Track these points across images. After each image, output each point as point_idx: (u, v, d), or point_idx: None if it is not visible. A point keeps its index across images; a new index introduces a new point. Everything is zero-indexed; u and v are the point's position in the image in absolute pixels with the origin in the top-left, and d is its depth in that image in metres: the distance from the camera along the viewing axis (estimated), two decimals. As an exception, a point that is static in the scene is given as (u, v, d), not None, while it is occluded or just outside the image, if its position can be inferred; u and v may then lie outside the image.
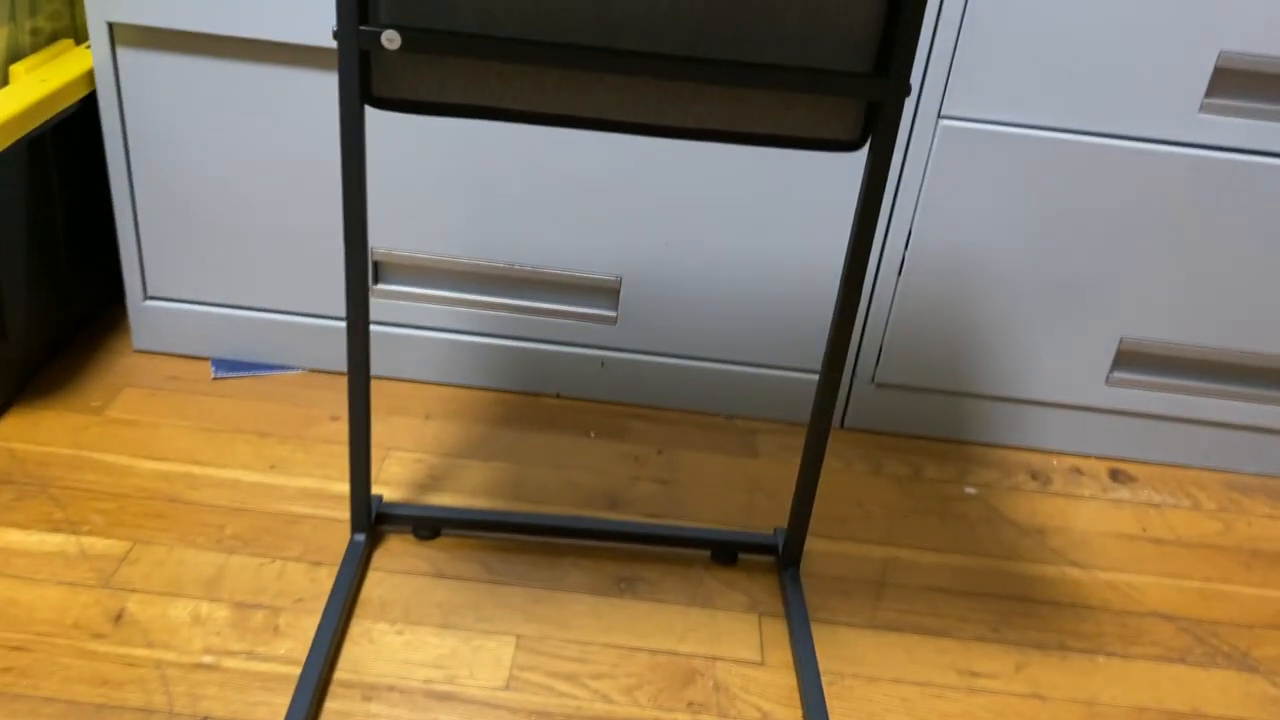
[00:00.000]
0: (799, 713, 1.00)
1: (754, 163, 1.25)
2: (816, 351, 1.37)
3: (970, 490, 1.33)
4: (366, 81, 0.89)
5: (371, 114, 1.23)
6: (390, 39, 0.85)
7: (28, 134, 1.19)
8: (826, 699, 1.02)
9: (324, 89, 1.23)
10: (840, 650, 1.08)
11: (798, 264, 1.31)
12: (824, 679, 1.04)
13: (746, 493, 1.28)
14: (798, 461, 1.34)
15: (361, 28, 0.84)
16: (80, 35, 1.35)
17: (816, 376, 1.38)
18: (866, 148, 0.92)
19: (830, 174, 1.25)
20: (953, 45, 1.16)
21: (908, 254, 1.29)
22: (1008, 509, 1.30)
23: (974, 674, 1.07)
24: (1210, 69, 1.16)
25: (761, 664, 1.05)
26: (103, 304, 1.46)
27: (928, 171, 1.23)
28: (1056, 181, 1.23)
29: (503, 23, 0.86)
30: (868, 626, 1.11)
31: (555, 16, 0.86)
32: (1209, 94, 1.17)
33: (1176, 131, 1.20)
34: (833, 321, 1.00)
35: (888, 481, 1.33)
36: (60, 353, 1.37)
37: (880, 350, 1.35)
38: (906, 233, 1.28)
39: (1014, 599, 1.17)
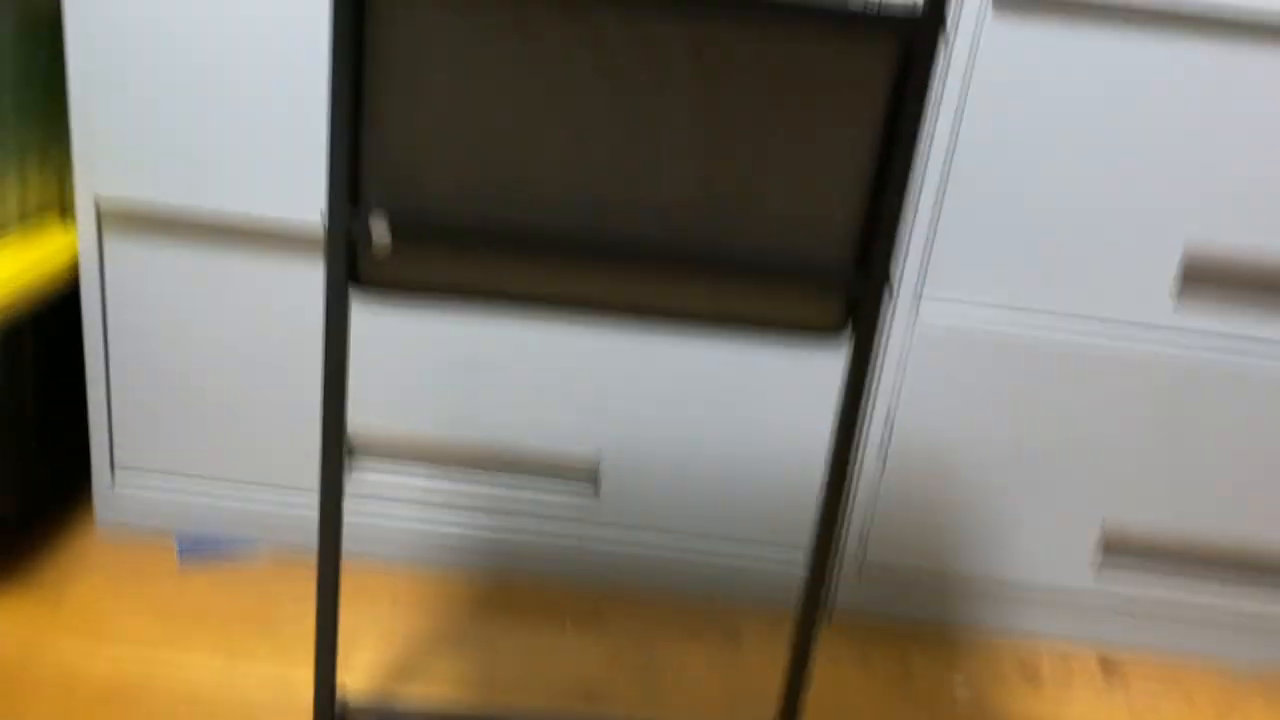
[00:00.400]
0: None
1: (736, 340, 1.25)
2: (800, 534, 1.34)
3: (960, 689, 1.28)
4: (353, 266, 0.89)
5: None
6: (380, 236, 0.86)
7: (3, 326, 1.19)
8: None
9: (305, 274, 1.23)
10: None
11: (780, 443, 1.30)
12: None
13: (730, 687, 1.23)
14: (783, 652, 1.29)
15: (353, 218, 0.85)
16: (67, 209, 1.37)
17: (800, 560, 1.35)
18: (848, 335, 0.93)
19: (815, 353, 1.26)
20: (928, 237, 1.19)
21: (891, 436, 1.28)
22: (998, 709, 1.25)
23: None
24: (1178, 258, 1.19)
25: None
26: (68, 480, 1.42)
27: (908, 358, 1.24)
28: (1036, 367, 1.24)
29: (492, 212, 0.87)
30: (859, 836, 1.05)
31: (545, 210, 0.87)
32: (1183, 282, 1.20)
33: (1153, 318, 1.22)
34: (818, 517, 0.98)
35: (877, 680, 1.28)
36: (21, 533, 1.33)
37: (866, 533, 1.33)
38: (887, 414, 1.28)
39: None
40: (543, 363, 1.27)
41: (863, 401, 0.96)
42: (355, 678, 1.16)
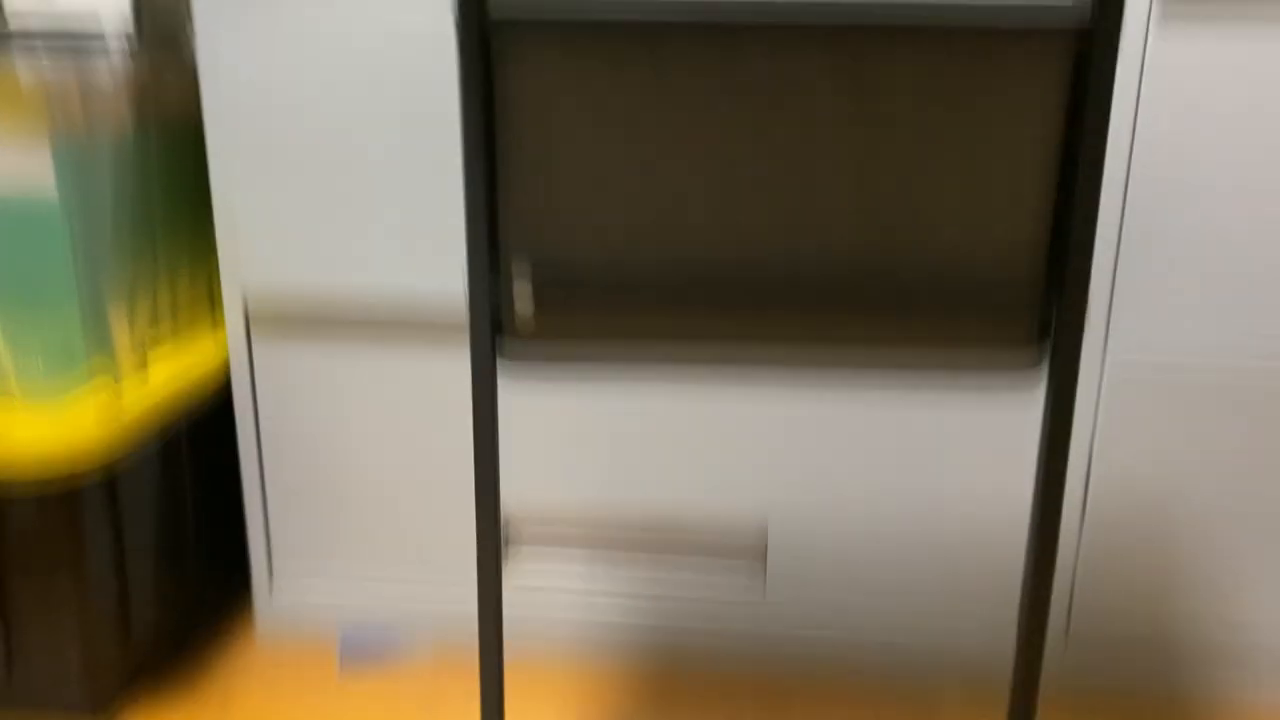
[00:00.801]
0: None
1: (911, 393, 1.16)
2: (994, 604, 1.22)
3: (1201, 766, 1.12)
4: (498, 336, 0.85)
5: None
6: (523, 299, 0.81)
7: (162, 433, 1.19)
8: None
9: (454, 357, 1.20)
10: None
11: (964, 505, 1.19)
12: None
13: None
14: (988, 737, 1.16)
15: (493, 275, 0.81)
16: (218, 319, 1.38)
17: (996, 632, 1.22)
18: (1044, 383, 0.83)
19: (1000, 403, 1.15)
20: (1112, 268, 1.08)
21: (1090, 487, 1.16)
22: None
23: None
24: None
25: None
26: (228, 593, 1.41)
27: (1102, 401, 1.12)
28: (1243, 401, 1.10)
29: (640, 265, 0.82)
30: None
31: (695, 255, 0.81)
32: None
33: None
34: (1028, 579, 0.87)
35: (1099, 758, 1.13)
36: (183, 646, 1.32)
37: (1071, 598, 1.20)
38: (1086, 464, 1.15)
39: None
40: (703, 431, 1.20)
41: (1067, 441, 0.85)
42: (526, 783, 1.09)
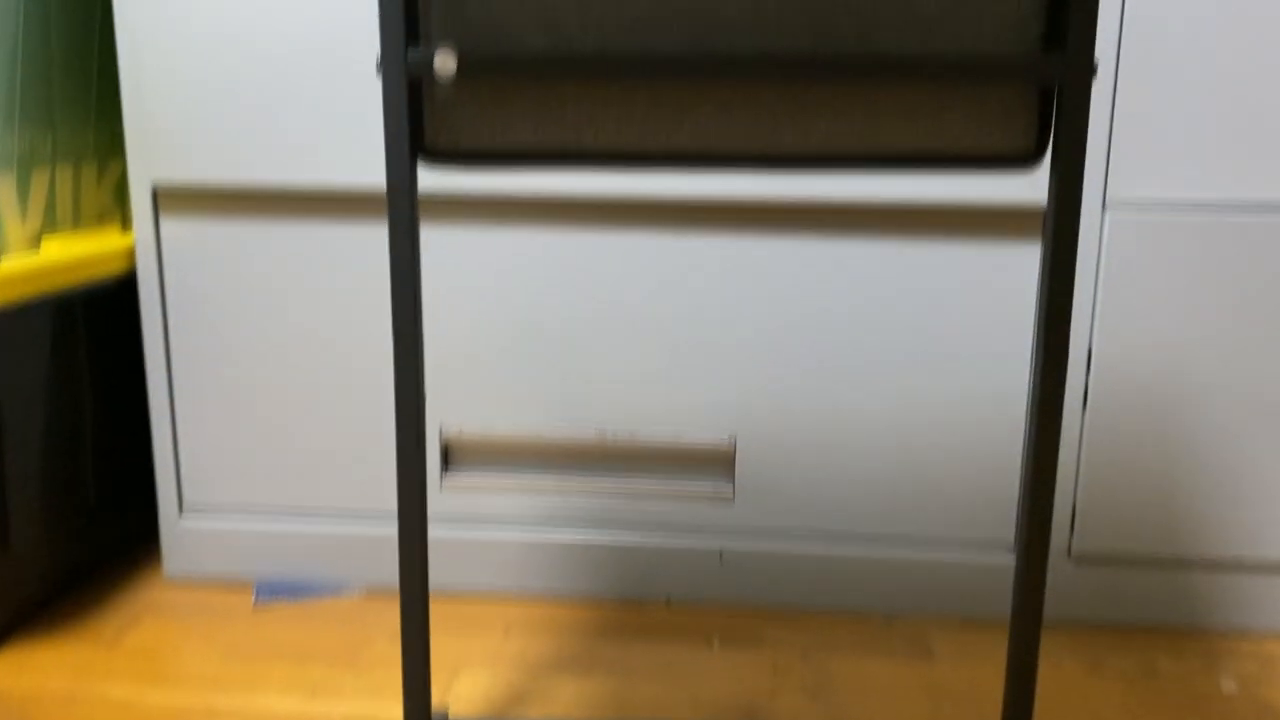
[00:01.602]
0: None
1: (889, 282, 1.05)
2: (987, 523, 1.09)
3: (1229, 685, 0.99)
4: (418, 133, 0.73)
5: (425, 271, 1.08)
6: (444, 62, 0.70)
7: (52, 294, 1.06)
8: None
9: (378, 242, 1.08)
10: None
11: (956, 411, 1.07)
12: None
13: (930, 703, 0.96)
14: (986, 663, 1.02)
15: (410, 51, 0.70)
16: (128, 223, 1.26)
17: (990, 557, 1.09)
18: (1048, 164, 0.72)
19: (989, 290, 1.04)
20: (1108, 121, 0.98)
21: (1091, 381, 1.04)
22: (1290, 705, 0.96)
23: None
24: None
25: None
26: (133, 529, 1.26)
27: (1101, 274, 1.02)
28: (1260, 260, 1.00)
29: (578, 36, 0.71)
30: None
31: (640, 23, 0.70)
32: None
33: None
34: (1024, 476, 0.75)
35: (1114, 683, 1.00)
36: (78, 583, 1.16)
37: (1074, 514, 1.07)
38: (1086, 354, 1.04)
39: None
40: (658, 329, 1.08)
41: (1073, 265, 0.73)
42: (461, 705, 0.94)
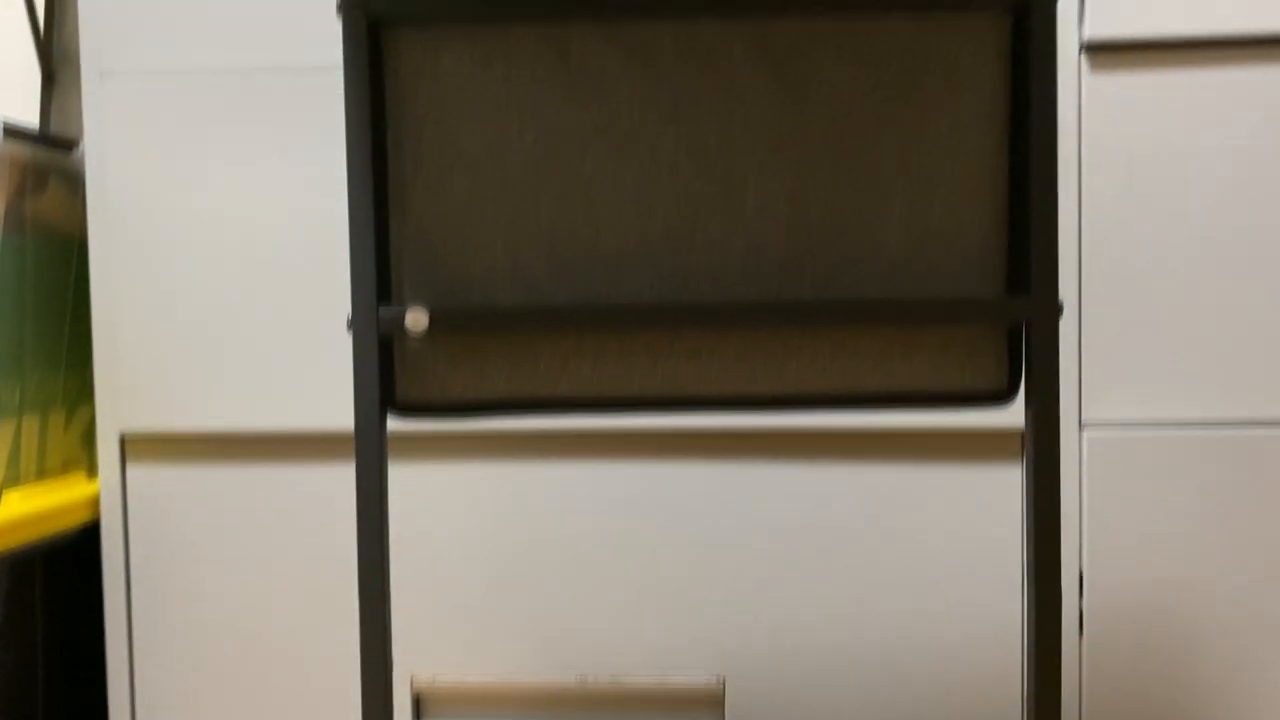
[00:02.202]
0: None
1: (874, 508, 1.03)
2: (994, 758, 1.03)
3: None
4: (389, 387, 0.73)
5: (395, 510, 1.05)
6: (416, 319, 0.70)
7: (10, 552, 1.02)
8: None
9: (348, 483, 1.06)
10: None
11: (953, 640, 1.03)
12: None
13: None
14: None
15: (381, 309, 0.70)
16: (94, 470, 1.23)
17: (1001, 795, 1.03)
18: (1021, 401, 0.72)
19: (976, 512, 1.02)
20: (1076, 348, 1.00)
21: (1085, 605, 1.01)
22: None
23: None
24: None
25: None
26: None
27: (1084, 495, 1.00)
28: (1243, 473, 0.99)
29: (548, 287, 0.71)
30: None
31: (610, 273, 0.71)
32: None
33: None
34: (1027, 707, 0.72)
35: None
36: None
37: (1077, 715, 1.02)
38: (1078, 577, 1.01)
39: None
40: (637, 561, 1.04)
41: (1057, 507, 0.72)
42: None
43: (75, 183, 1.14)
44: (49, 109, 1.37)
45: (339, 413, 1.04)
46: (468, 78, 0.70)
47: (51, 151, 1.12)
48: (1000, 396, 0.72)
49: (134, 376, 1.06)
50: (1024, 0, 0.68)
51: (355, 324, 0.70)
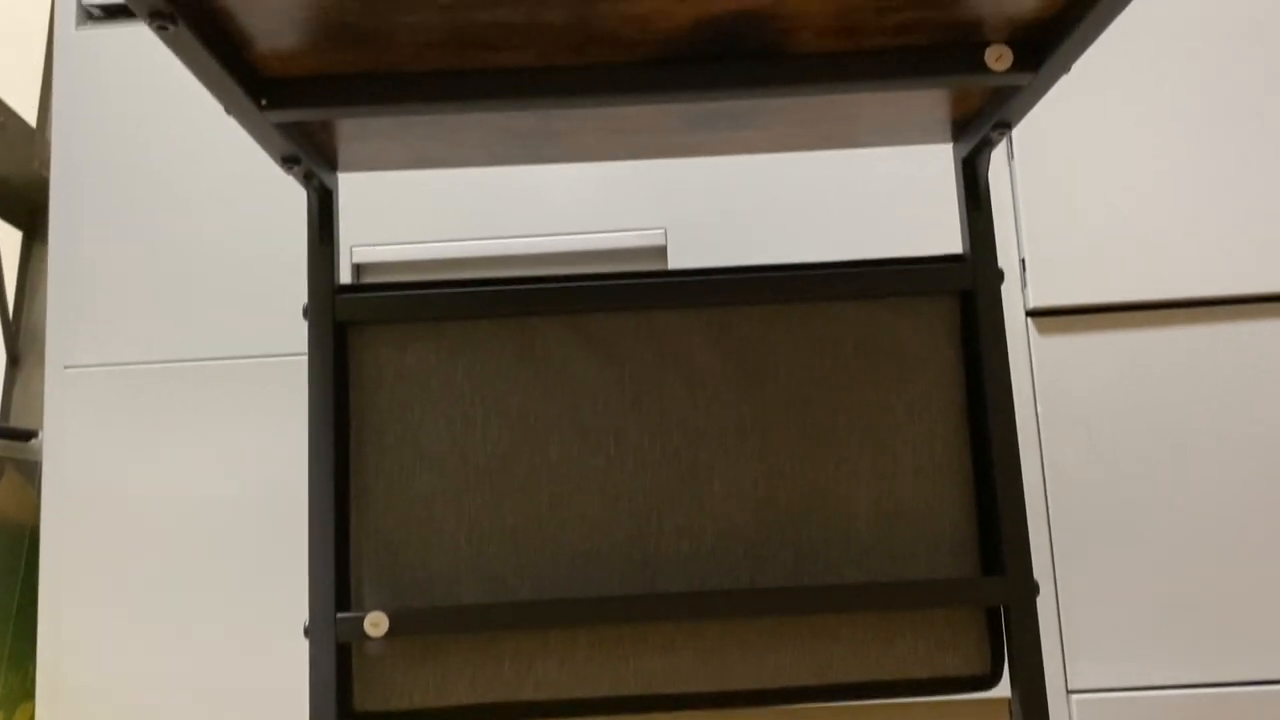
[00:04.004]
0: None
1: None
2: None
3: None
4: (346, 693, 0.69)
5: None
6: (375, 622, 0.67)
7: None
8: None
9: None
10: None
11: None
12: None
13: None
14: None
15: (340, 615, 0.67)
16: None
17: None
18: (1006, 682, 0.69)
19: (958, 792, 0.97)
20: (1055, 613, 0.98)
21: None
22: None
23: None
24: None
25: None
26: None
27: (1080, 766, 0.96)
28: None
29: (513, 583, 0.69)
30: None
31: (576, 566, 0.70)
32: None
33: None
34: None
35: None
36: None
37: None
38: None
39: None
40: None
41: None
42: None
43: (32, 471, 1.12)
44: (11, 391, 1.37)
45: (292, 717, 0.99)
46: (432, 372, 0.71)
47: (10, 442, 1.11)
48: (984, 681, 0.70)
49: (79, 679, 1.00)
50: (969, 286, 0.71)
51: (312, 632, 0.67)
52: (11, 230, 1.41)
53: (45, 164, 1.34)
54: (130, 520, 1.03)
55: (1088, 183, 1.02)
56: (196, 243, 1.05)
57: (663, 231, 1.01)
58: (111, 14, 1.09)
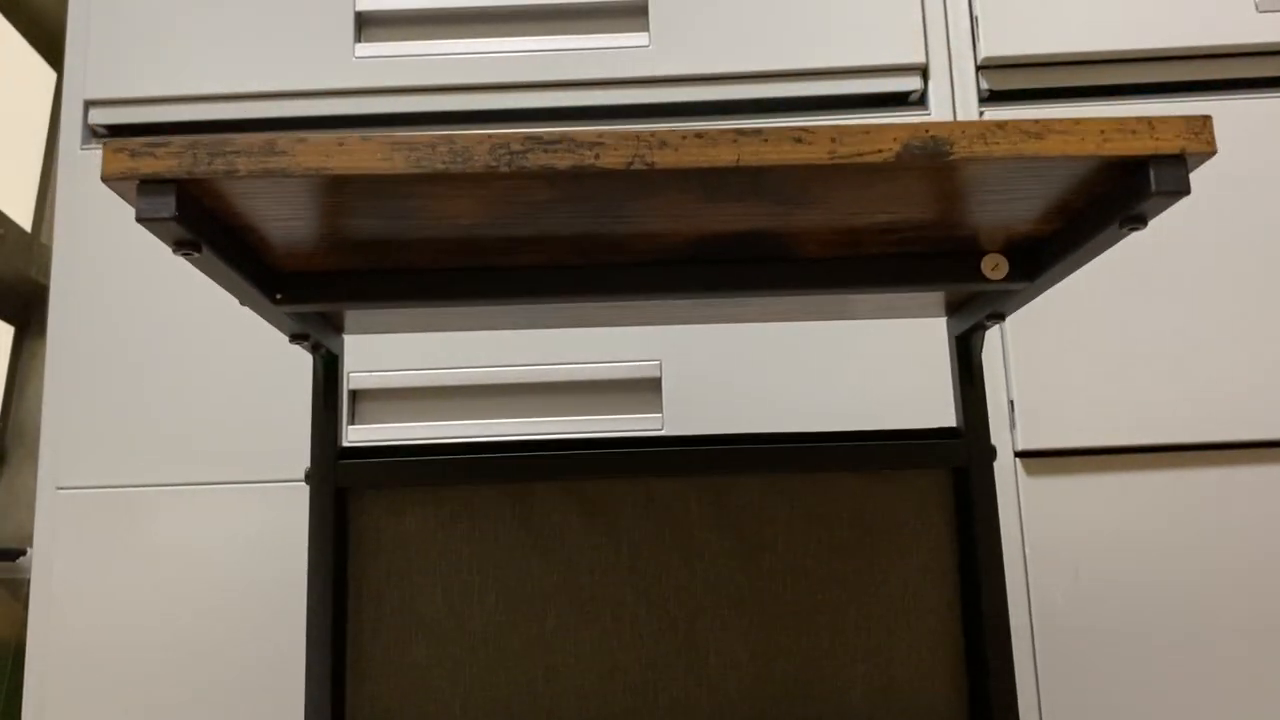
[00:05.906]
0: None
1: None
2: None
3: None
4: None
5: None
6: (369, 797, 0.67)
7: None
8: None
9: None
10: None
11: None
12: None
13: None
14: None
15: None
16: None
17: None
18: None
19: None
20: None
21: None
22: None
23: None
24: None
25: None
26: None
27: None
28: None
29: (509, 756, 0.69)
30: None
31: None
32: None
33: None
34: None
35: None
36: None
37: None
38: None
39: None
40: None
41: None
42: None
43: (18, 589, 1.11)
44: (-2, 491, 1.36)
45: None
46: (430, 538, 0.71)
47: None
48: None
49: (60, 803, 0.99)
50: (963, 463, 0.72)
51: None
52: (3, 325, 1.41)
53: (42, 270, 1.35)
54: (118, 642, 1.02)
55: (1076, 326, 1.04)
56: (192, 369, 1.06)
57: (658, 364, 1.03)
58: (117, 133, 1.10)
